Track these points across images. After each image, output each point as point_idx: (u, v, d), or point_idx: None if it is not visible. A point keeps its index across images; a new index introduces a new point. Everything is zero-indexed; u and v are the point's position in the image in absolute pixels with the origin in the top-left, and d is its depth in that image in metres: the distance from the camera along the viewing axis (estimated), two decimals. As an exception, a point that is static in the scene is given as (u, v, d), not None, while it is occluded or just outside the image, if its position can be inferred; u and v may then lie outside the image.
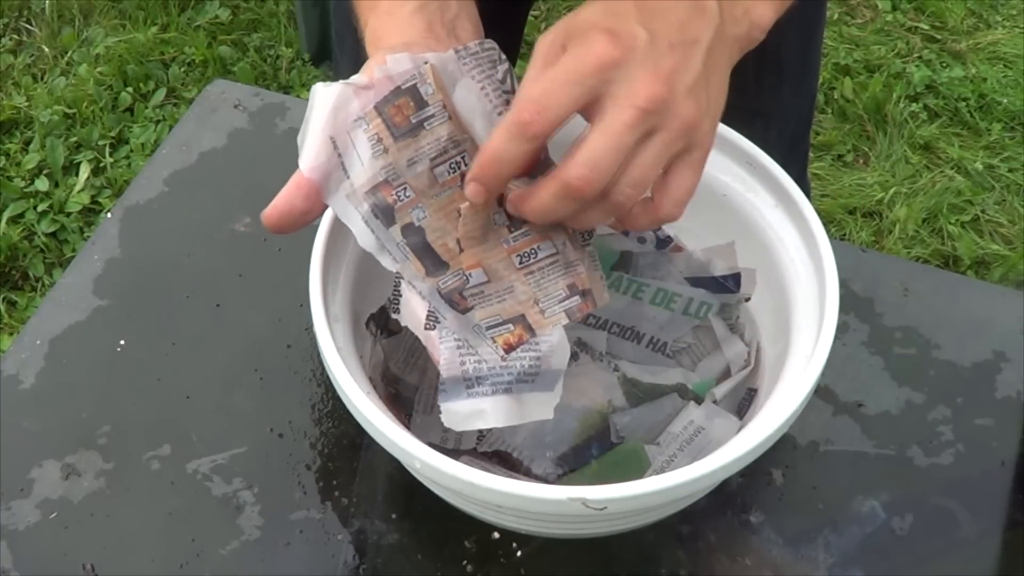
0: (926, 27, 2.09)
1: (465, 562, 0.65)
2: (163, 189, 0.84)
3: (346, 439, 0.70)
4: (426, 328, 0.56)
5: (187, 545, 0.65)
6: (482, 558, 0.65)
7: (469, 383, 0.55)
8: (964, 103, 1.94)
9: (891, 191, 1.80)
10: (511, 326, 0.56)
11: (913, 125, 1.90)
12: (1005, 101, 1.93)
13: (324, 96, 0.54)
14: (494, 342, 0.56)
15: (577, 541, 0.65)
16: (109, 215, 0.83)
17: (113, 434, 0.70)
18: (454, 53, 0.55)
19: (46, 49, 2.07)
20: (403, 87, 0.54)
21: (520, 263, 0.57)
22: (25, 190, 1.83)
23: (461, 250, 0.56)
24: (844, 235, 1.75)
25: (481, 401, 0.55)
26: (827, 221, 1.74)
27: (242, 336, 0.75)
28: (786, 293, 0.63)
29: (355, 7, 0.62)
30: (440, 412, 0.55)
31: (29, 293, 1.70)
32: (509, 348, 0.56)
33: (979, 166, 1.84)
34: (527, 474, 0.66)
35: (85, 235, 1.76)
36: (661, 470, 0.63)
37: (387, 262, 0.55)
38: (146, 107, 1.96)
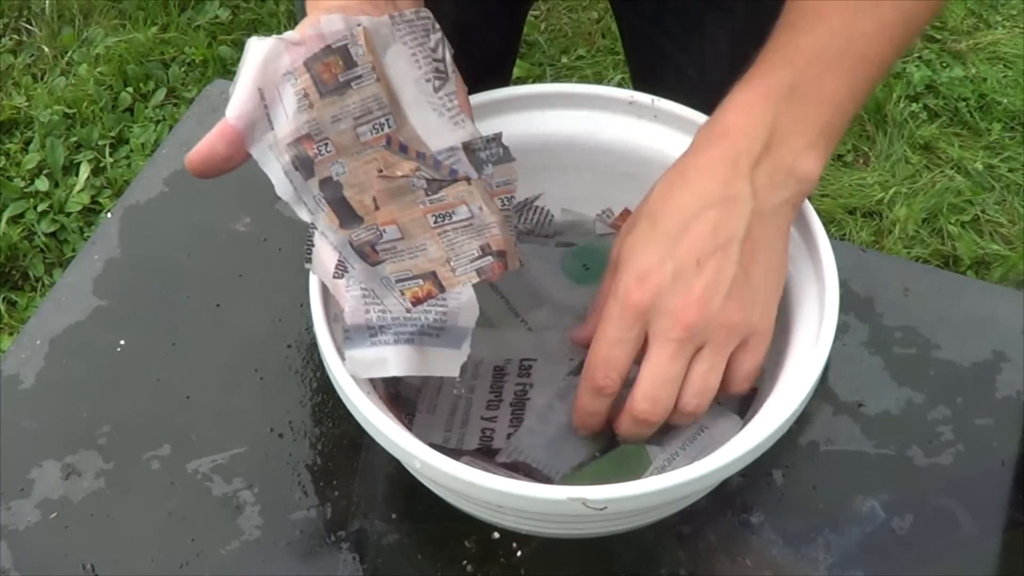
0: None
1: (465, 562, 0.65)
2: (163, 189, 0.84)
3: (346, 439, 0.70)
4: (334, 277, 0.56)
5: (187, 545, 0.65)
6: (482, 558, 0.65)
7: (372, 331, 0.55)
8: (964, 103, 1.94)
9: (891, 191, 1.80)
10: (420, 281, 0.56)
11: (913, 125, 1.90)
12: (1005, 101, 1.93)
13: (256, 49, 0.55)
14: (402, 295, 0.56)
15: (577, 541, 0.65)
16: (109, 215, 0.83)
17: (113, 434, 0.70)
18: (388, 19, 0.56)
19: (46, 49, 2.07)
20: (334, 46, 0.55)
21: (435, 223, 0.57)
22: (25, 190, 1.83)
23: (377, 208, 0.56)
24: (844, 235, 1.75)
25: (384, 350, 0.55)
26: (827, 221, 1.74)
27: (242, 336, 0.75)
28: (786, 293, 0.63)
29: None
30: (344, 360, 0.56)
31: (29, 293, 1.70)
32: (417, 301, 0.56)
33: (979, 166, 1.84)
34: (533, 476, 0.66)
35: (85, 235, 1.76)
36: (662, 470, 0.63)
37: (303, 213, 0.56)
38: (146, 107, 1.96)
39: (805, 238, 0.62)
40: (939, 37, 2.07)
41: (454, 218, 0.57)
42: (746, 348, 0.58)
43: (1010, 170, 1.84)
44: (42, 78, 2.04)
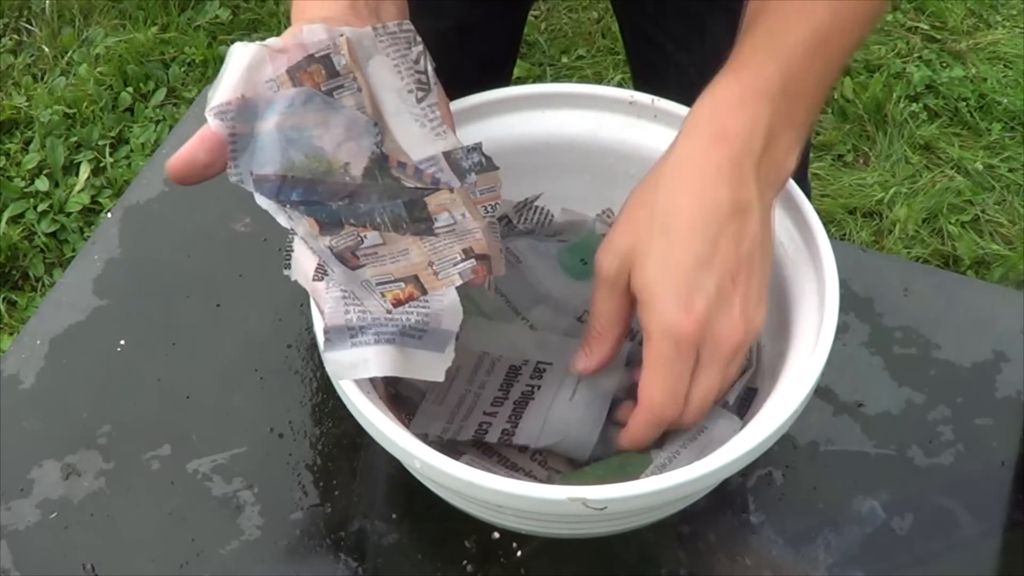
0: (926, 27, 2.09)
1: (465, 562, 0.65)
2: (163, 189, 0.84)
3: (346, 439, 0.70)
4: (314, 280, 0.56)
5: (187, 545, 0.65)
6: (482, 558, 0.65)
7: (352, 332, 0.54)
8: (964, 103, 1.94)
9: (891, 191, 1.80)
10: (402, 284, 0.56)
11: (913, 125, 1.90)
12: (1005, 101, 1.93)
13: (240, 55, 0.55)
14: (383, 297, 0.55)
15: (577, 541, 0.65)
16: (109, 215, 0.83)
17: (113, 434, 0.70)
18: (371, 30, 0.57)
19: (46, 49, 2.07)
20: (316, 55, 0.55)
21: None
22: (25, 190, 1.83)
23: None
24: (844, 235, 1.75)
25: (364, 350, 0.54)
26: (827, 221, 1.74)
27: (242, 336, 0.75)
28: (786, 293, 0.63)
29: None
30: (327, 364, 0.55)
31: (29, 293, 1.70)
32: (398, 303, 0.55)
33: (979, 166, 1.84)
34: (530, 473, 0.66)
35: (85, 235, 1.75)
36: (662, 469, 0.63)
37: (282, 220, 0.55)
38: (146, 107, 1.96)
39: (805, 238, 0.62)
40: (939, 37, 2.07)
41: (436, 224, 0.57)
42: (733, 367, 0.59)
43: (1010, 170, 1.84)
44: (42, 78, 2.03)
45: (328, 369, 0.55)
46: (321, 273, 0.56)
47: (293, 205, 0.55)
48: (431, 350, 0.56)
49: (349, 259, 0.56)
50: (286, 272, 0.58)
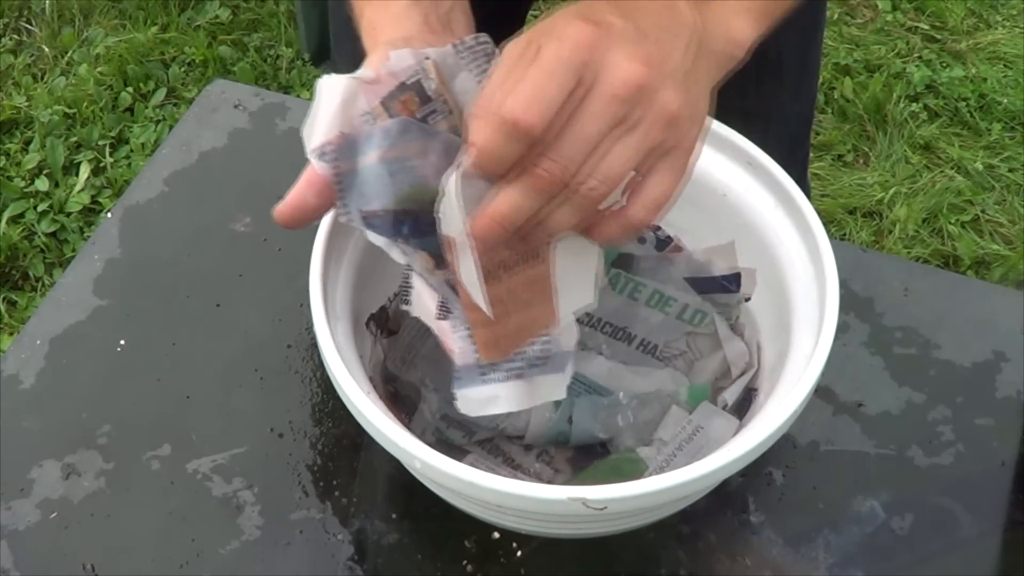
0: (926, 27, 2.09)
1: (465, 562, 0.65)
2: (163, 189, 0.84)
3: (346, 439, 0.70)
4: (438, 318, 0.56)
5: (187, 545, 0.65)
6: (482, 558, 0.65)
7: (483, 370, 0.55)
8: (964, 103, 1.94)
9: (891, 191, 1.80)
10: None
11: (913, 125, 1.90)
12: (1005, 101, 1.93)
13: (331, 90, 0.54)
14: None
15: (577, 541, 0.65)
16: (109, 215, 0.83)
17: (113, 434, 0.70)
18: (452, 48, 0.55)
19: (46, 49, 2.07)
20: (408, 83, 0.54)
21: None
22: (25, 190, 1.83)
23: None
24: (844, 235, 1.75)
25: (496, 387, 0.55)
26: (827, 221, 1.74)
27: (242, 336, 0.75)
28: (786, 293, 0.63)
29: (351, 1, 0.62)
30: (456, 400, 0.55)
31: (29, 293, 1.70)
32: None
33: (979, 166, 1.84)
34: (531, 471, 0.66)
35: (85, 235, 1.76)
36: (660, 470, 0.64)
37: (396, 255, 0.55)
38: (146, 107, 1.96)
39: (805, 238, 0.62)
40: (939, 37, 2.07)
41: None
42: (668, 159, 0.50)
43: (1010, 170, 1.84)
44: (42, 78, 2.04)
45: (459, 407, 0.55)
46: (445, 312, 0.55)
47: (405, 239, 0.54)
48: (553, 372, 0.56)
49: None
50: (405, 307, 0.57)
